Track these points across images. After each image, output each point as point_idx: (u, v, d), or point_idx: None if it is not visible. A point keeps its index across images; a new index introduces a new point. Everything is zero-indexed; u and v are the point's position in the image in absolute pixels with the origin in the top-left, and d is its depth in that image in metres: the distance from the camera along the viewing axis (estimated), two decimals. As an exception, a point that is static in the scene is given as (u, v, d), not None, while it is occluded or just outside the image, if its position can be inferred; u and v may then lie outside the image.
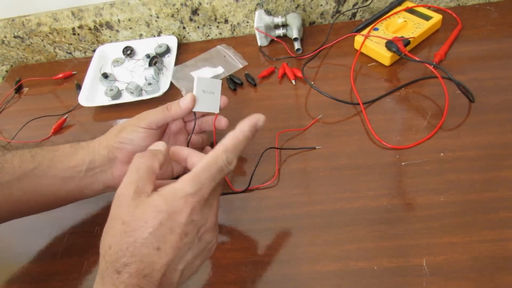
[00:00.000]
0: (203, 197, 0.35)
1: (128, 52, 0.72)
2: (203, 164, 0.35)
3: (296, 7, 0.68)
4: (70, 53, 0.78)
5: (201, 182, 0.35)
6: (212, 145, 0.52)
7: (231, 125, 0.56)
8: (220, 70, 0.66)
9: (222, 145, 0.37)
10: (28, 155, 0.44)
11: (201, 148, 0.51)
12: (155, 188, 0.36)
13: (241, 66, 0.66)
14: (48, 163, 0.44)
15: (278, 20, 0.66)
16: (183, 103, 0.46)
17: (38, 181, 0.43)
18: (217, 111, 0.49)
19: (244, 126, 0.39)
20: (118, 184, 0.37)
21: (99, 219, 0.51)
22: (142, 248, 0.33)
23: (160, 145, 0.39)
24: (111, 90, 0.66)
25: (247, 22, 0.71)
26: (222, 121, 0.50)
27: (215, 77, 0.65)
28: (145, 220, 0.34)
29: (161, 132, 0.49)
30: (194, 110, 0.47)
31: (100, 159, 0.45)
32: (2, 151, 0.44)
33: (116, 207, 0.35)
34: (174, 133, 0.51)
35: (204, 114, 0.51)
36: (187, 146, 0.51)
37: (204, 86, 0.47)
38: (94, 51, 0.75)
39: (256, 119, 0.39)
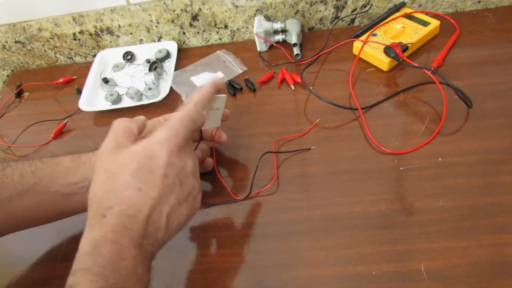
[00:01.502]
0: (178, 143, 0.38)
1: (129, 57, 0.72)
2: (175, 117, 0.40)
3: (295, 13, 0.69)
4: (70, 58, 0.78)
5: (175, 129, 0.39)
6: (211, 156, 0.53)
7: (232, 129, 0.57)
8: (219, 75, 0.66)
9: (191, 101, 0.42)
10: (28, 170, 0.43)
11: (201, 161, 0.51)
12: None
13: (241, 71, 0.67)
14: (49, 178, 0.43)
15: (278, 25, 0.67)
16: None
17: (39, 197, 0.43)
18: (218, 124, 0.50)
19: (207, 86, 0.44)
20: None
21: (99, 223, 0.51)
22: (125, 190, 0.36)
23: (141, 117, 0.43)
24: (111, 95, 0.66)
25: (247, 27, 0.71)
26: (222, 137, 0.51)
27: (215, 82, 0.65)
28: (125, 165, 0.36)
29: None
30: (202, 128, 0.47)
31: None
32: (2, 164, 0.43)
33: (98, 162, 0.38)
34: None
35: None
36: None
37: (213, 104, 0.48)
38: (94, 56, 0.75)
39: (216, 79, 0.46)
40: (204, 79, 0.66)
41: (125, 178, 0.36)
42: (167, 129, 0.39)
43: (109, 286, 0.32)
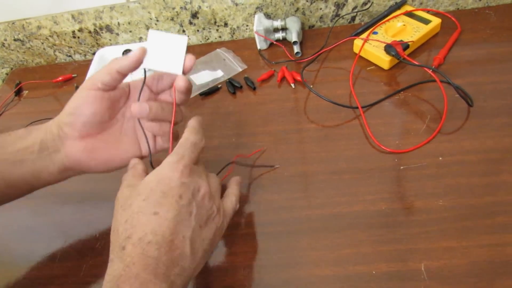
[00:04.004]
0: (187, 164, 0.37)
1: (128, 55, 0.72)
2: (178, 144, 0.39)
3: (296, 11, 0.68)
4: (70, 56, 0.78)
5: (180, 153, 0.38)
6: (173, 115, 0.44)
7: (232, 128, 0.56)
8: (219, 73, 0.66)
9: (189, 129, 0.40)
10: None
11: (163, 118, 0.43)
12: None
13: (241, 70, 0.66)
14: None
15: (278, 23, 0.67)
16: (131, 53, 0.40)
17: None
18: (179, 72, 0.40)
19: (194, 122, 0.42)
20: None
21: (98, 222, 0.51)
22: (140, 216, 0.34)
23: (135, 160, 0.42)
24: (111, 93, 0.66)
25: (247, 25, 0.71)
26: (180, 81, 0.40)
27: (214, 80, 0.65)
28: (138, 193, 0.36)
29: (116, 99, 0.42)
30: (146, 66, 0.40)
31: (51, 138, 0.41)
32: None
33: (116, 206, 0.38)
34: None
35: (164, 76, 0.43)
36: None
37: (161, 41, 0.40)
38: (94, 54, 0.75)
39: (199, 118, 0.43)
40: (203, 77, 0.66)
41: (139, 205, 0.35)
42: (173, 154, 0.38)
43: None
